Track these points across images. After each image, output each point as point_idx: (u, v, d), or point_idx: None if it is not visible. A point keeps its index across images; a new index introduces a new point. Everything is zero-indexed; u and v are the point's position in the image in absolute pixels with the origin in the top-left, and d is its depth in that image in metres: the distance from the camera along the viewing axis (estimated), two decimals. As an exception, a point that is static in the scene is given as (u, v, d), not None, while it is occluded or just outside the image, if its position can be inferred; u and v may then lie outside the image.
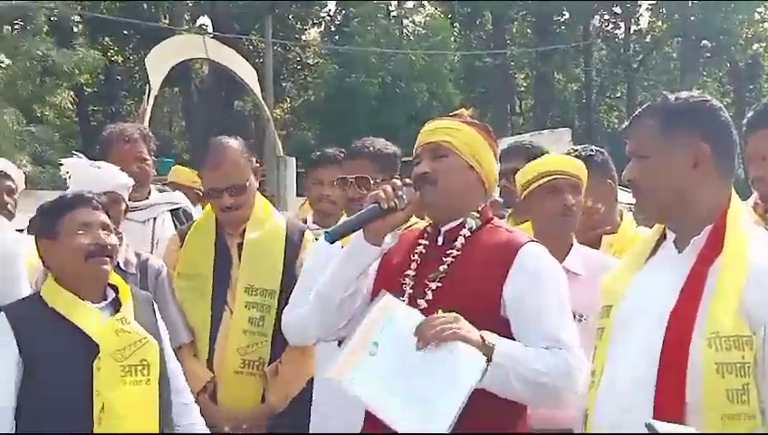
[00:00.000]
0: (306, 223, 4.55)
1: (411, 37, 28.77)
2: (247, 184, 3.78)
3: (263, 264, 3.78)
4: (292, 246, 3.83)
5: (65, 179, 3.78)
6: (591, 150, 4.04)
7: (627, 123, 2.59)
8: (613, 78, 36.35)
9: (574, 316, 3.31)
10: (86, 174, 3.76)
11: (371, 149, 3.58)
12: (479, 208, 2.87)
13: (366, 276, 2.85)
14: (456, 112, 2.96)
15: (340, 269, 2.83)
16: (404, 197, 2.75)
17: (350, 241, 2.80)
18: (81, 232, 3.07)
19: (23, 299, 3.23)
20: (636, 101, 33.26)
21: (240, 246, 3.81)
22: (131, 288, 3.25)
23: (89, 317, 3.03)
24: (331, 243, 2.76)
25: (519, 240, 2.79)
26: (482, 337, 2.56)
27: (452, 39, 31.08)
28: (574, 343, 2.69)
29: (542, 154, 4.23)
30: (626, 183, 2.66)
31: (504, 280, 2.70)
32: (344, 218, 2.98)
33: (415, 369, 2.56)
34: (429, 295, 2.74)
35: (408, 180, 2.83)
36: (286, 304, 3.61)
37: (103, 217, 3.15)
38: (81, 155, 3.90)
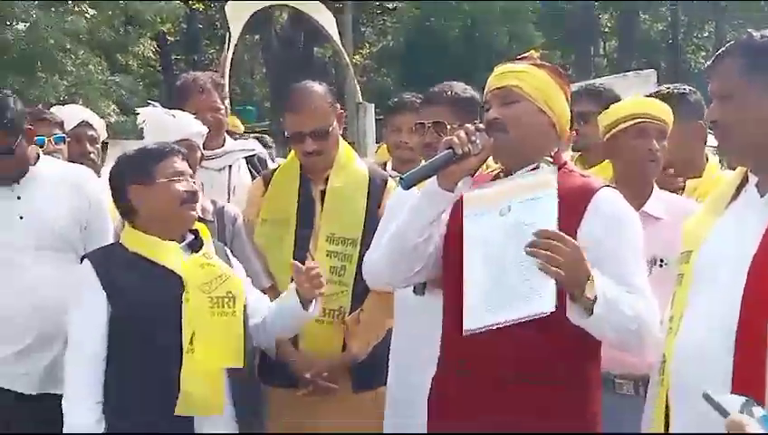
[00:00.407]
0: (385, 168, 4.54)
1: (492, -21, 28.31)
2: (330, 129, 3.77)
3: (345, 212, 3.78)
4: (375, 193, 3.82)
5: (142, 128, 3.84)
6: (684, 89, 3.95)
7: (709, 63, 2.51)
8: (701, 16, 35.24)
9: (654, 262, 3.28)
10: (162, 122, 3.81)
11: (449, 94, 3.53)
12: (552, 153, 2.82)
13: (439, 222, 2.83)
14: (525, 54, 2.90)
15: (414, 214, 2.81)
16: (478, 142, 2.72)
17: (424, 187, 2.78)
18: (176, 179, 3.19)
19: (105, 246, 3.40)
20: (724, 40, 32.32)
21: (323, 193, 3.82)
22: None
23: (172, 255, 3.16)
24: (406, 189, 2.75)
25: (594, 184, 2.76)
26: (584, 288, 2.49)
27: (534, -21, 30.56)
28: (648, 290, 2.66)
29: (615, 97, 4.16)
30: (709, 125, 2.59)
31: (579, 223, 2.66)
32: (421, 164, 2.95)
33: (510, 264, 2.55)
34: None
35: (481, 125, 2.79)
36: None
37: (187, 167, 3.30)
38: (156, 104, 3.95)
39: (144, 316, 3.09)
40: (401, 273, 2.92)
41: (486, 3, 24.71)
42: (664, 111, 3.54)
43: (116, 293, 3.11)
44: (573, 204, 2.69)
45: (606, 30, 36.39)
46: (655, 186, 3.52)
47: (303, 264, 3.48)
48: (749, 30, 2.51)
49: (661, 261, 3.28)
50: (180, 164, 3.26)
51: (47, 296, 3.54)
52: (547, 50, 27.28)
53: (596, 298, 2.49)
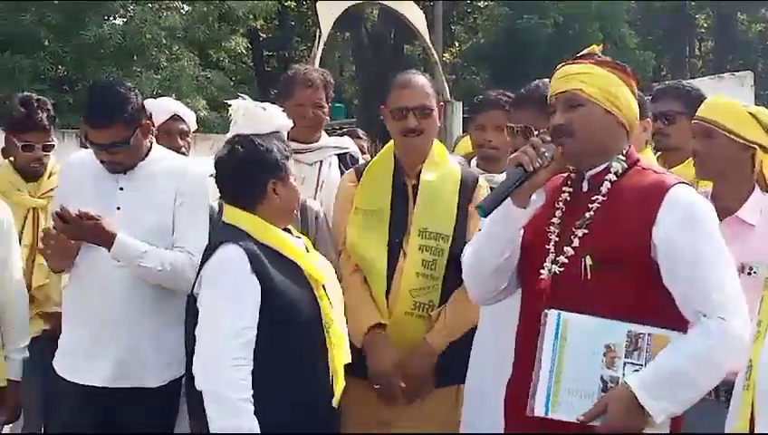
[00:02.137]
0: (469, 163, 4.54)
1: (586, -23, 27.93)
2: (433, 109, 3.81)
3: (437, 207, 3.79)
4: (466, 191, 3.83)
5: (233, 120, 3.89)
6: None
7: None
8: (801, 18, 34.29)
9: (743, 269, 3.18)
10: (254, 114, 3.85)
11: (536, 96, 3.50)
12: (624, 151, 2.78)
13: (518, 238, 2.84)
14: (585, 52, 2.86)
15: (491, 236, 2.83)
16: (546, 154, 2.72)
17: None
18: (296, 181, 3.30)
19: (236, 235, 3.21)
20: (826, 42, 31.35)
21: (415, 187, 3.83)
22: None
23: (301, 253, 3.25)
24: (485, 216, 2.77)
25: (668, 181, 2.70)
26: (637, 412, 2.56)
27: (629, -22, 30.06)
28: (728, 303, 2.58)
29: (701, 97, 4.07)
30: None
31: (654, 222, 2.63)
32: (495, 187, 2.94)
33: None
34: (576, 242, 2.71)
35: (547, 137, 2.77)
36: (458, 248, 3.62)
37: None
38: (246, 97, 4.00)
39: (298, 317, 3.13)
40: (488, 293, 2.97)
41: (580, 2, 24.39)
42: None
43: (269, 286, 3.10)
44: (646, 202, 2.67)
45: (702, 30, 35.64)
46: (757, 189, 3.42)
47: (397, 257, 3.67)
48: None
49: (750, 268, 3.19)
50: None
51: (134, 290, 3.63)
52: (642, 50, 26.83)
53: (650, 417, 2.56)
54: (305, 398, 3.12)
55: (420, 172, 3.84)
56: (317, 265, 3.27)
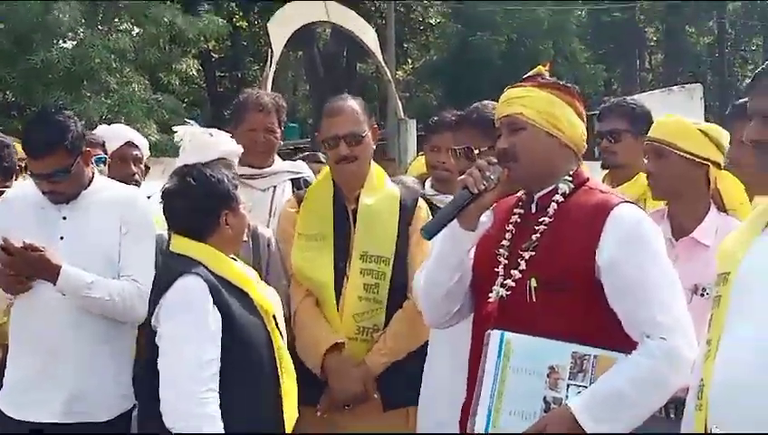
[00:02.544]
0: (424, 184, 4.52)
1: (536, -7, 28.23)
2: (364, 135, 3.78)
3: (377, 230, 3.78)
4: (406, 213, 3.82)
5: (179, 146, 3.84)
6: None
7: (749, 82, 2.45)
8: (748, 30, 34.91)
9: (696, 290, 3.18)
10: (199, 141, 3.80)
11: (475, 117, 3.52)
12: (571, 172, 2.77)
13: (467, 260, 2.83)
14: (532, 73, 2.86)
15: (441, 261, 2.82)
16: (492, 177, 2.71)
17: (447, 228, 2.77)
18: (244, 209, 3.26)
19: (193, 266, 3.14)
20: (772, 53, 31.90)
21: (355, 211, 3.82)
22: None
23: (253, 284, 3.21)
24: (429, 239, 2.76)
25: (611, 201, 2.70)
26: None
27: (578, -7, 30.40)
28: (671, 323, 2.59)
29: (646, 114, 4.11)
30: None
31: (597, 243, 2.63)
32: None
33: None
34: (523, 265, 2.69)
35: (493, 159, 2.77)
36: (400, 271, 3.70)
37: None
38: (193, 122, 3.95)
39: (249, 342, 3.10)
40: (441, 316, 2.95)
41: (530, 18, 24.64)
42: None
43: (228, 317, 3.06)
44: (590, 223, 2.67)
45: (652, 44, 36.15)
46: (713, 208, 3.40)
47: (342, 282, 3.61)
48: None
49: (704, 290, 3.18)
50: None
51: (82, 318, 3.55)
52: (592, 64, 27.15)
53: None
54: (258, 425, 3.09)
55: (358, 195, 3.83)
56: (267, 295, 3.23)
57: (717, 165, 3.38)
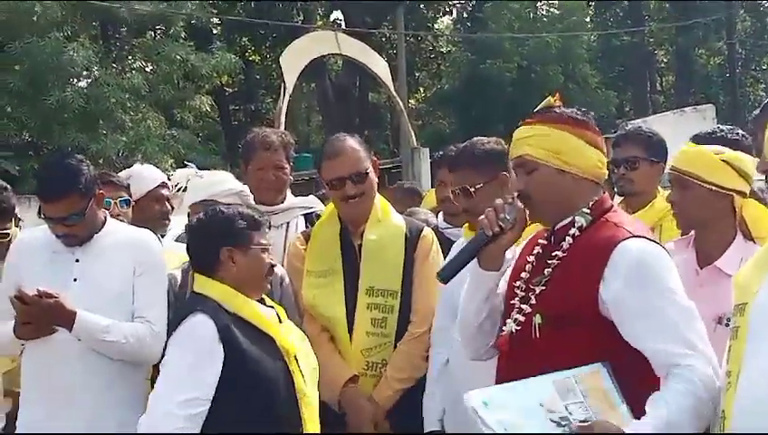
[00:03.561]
0: (437, 216, 4.54)
1: (545, 19, 28.27)
2: (368, 172, 3.81)
3: (382, 264, 3.81)
4: (411, 244, 3.86)
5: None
6: (737, 134, 3.78)
7: (756, 113, 2.48)
8: (758, 50, 34.78)
9: (720, 320, 3.11)
10: (191, 184, 3.89)
11: (466, 156, 3.61)
12: (590, 204, 2.76)
13: (496, 295, 2.84)
14: (543, 106, 2.83)
15: (468, 301, 2.84)
16: (508, 217, 2.70)
17: (472, 270, 2.80)
18: (264, 250, 3.27)
19: (208, 306, 3.19)
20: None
21: (361, 247, 3.85)
22: None
23: (272, 323, 3.23)
24: (445, 282, 2.78)
25: (618, 236, 2.66)
26: None
27: (587, 19, 30.41)
28: (694, 342, 2.55)
29: (661, 141, 4.13)
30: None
31: (600, 281, 2.60)
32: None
33: None
34: (533, 300, 2.70)
35: (510, 199, 2.77)
36: (408, 303, 3.75)
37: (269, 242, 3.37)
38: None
39: (265, 386, 3.12)
40: (478, 350, 2.95)
41: (540, 44, 24.68)
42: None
43: (235, 356, 3.09)
44: (595, 258, 2.65)
45: (662, 66, 36.11)
46: (739, 236, 3.34)
47: (353, 318, 3.65)
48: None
49: (728, 320, 3.13)
50: (267, 238, 3.33)
51: (95, 361, 3.58)
52: (603, 88, 27.13)
53: None
54: None
55: (364, 231, 3.87)
56: (290, 337, 3.25)
57: (743, 194, 3.34)
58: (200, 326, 3.09)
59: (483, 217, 2.75)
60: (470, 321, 2.86)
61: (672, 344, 2.55)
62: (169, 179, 4.56)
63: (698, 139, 3.69)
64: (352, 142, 3.88)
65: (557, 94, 2.91)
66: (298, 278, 3.89)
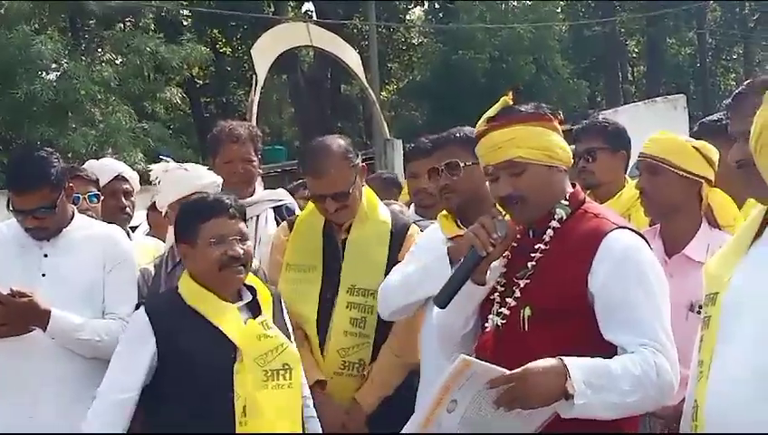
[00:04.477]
0: (410, 209, 4.51)
1: (517, 10, 28.33)
2: (351, 190, 3.73)
3: (365, 264, 3.74)
4: (396, 243, 3.79)
5: (155, 184, 3.85)
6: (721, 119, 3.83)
7: (729, 101, 2.47)
8: (728, 39, 35.11)
9: (692, 307, 3.17)
10: (174, 176, 3.82)
11: (458, 134, 3.47)
12: (567, 195, 2.76)
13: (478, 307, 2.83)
14: (500, 107, 2.79)
15: (456, 312, 2.80)
16: (500, 234, 2.67)
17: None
18: (215, 242, 3.13)
19: (163, 294, 3.40)
20: (754, 62, 32.12)
21: (344, 242, 3.78)
22: (269, 288, 3.32)
23: (230, 320, 3.11)
24: (443, 308, 2.73)
25: (604, 228, 2.68)
26: (563, 393, 2.46)
27: (558, 9, 30.50)
28: (664, 336, 2.59)
29: (622, 131, 4.13)
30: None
31: (589, 272, 2.61)
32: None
33: (494, 417, 2.54)
34: (517, 293, 2.68)
35: (497, 213, 2.74)
36: None
37: (240, 225, 3.21)
38: (168, 159, 3.96)
39: (193, 380, 3.06)
40: (453, 354, 2.91)
41: (512, 35, 24.73)
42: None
43: (168, 345, 3.09)
44: (583, 250, 2.65)
45: (633, 56, 36.30)
46: (704, 224, 3.39)
47: (330, 316, 3.58)
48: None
49: (699, 307, 3.17)
50: (225, 225, 3.17)
51: (63, 357, 3.54)
52: (575, 78, 27.24)
53: (573, 394, 2.46)
54: None
55: (350, 226, 3.80)
56: (245, 333, 3.12)
57: (710, 182, 3.37)
58: (135, 317, 3.19)
59: (472, 235, 2.71)
60: (456, 331, 2.86)
61: (640, 338, 2.58)
62: (147, 172, 4.45)
63: (703, 126, 3.73)
64: (335, 159, 3.73)
65: (510, 94, 2.88)
66: (277, 271, 3.83)
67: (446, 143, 3.51)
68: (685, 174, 3.32)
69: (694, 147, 3.35)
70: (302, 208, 4.77)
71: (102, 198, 4.49)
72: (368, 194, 3.89)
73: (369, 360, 3.69)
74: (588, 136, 4.18)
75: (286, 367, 3.11)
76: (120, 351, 3.20)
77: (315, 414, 3.36)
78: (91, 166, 4.78)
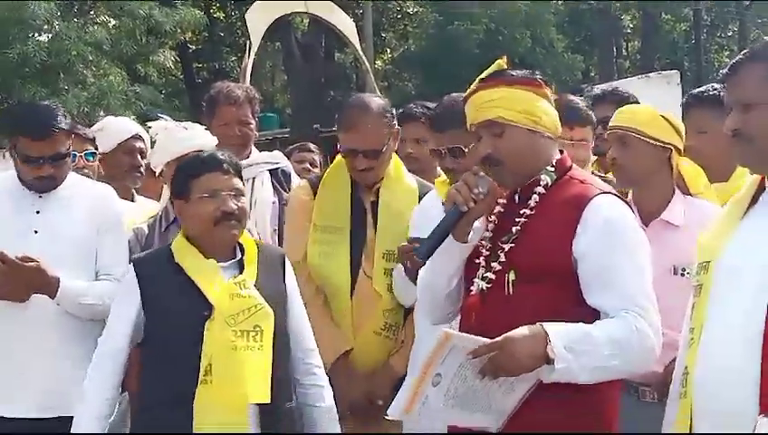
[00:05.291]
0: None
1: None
2: (384, 149, 3.71)
3: (398, 229, 3.72)
4: None
5: (153, 142, 3.84)
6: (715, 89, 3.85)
7: (725, 71, 2.48)
8: (724, 16, 34.98)
9: (675, 271, 3.24)
10: (173, 135, 3.81)
11: (455, 115, 3.37)
12: (554, 162, 2.77)
13: (462, 265, 2.84)
14: (494, 69, 2.81)
15: (439, 270, 2.83)
16: (480, 190, 2.69)
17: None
18: (208, 197, 3.11)
19: (154, 251, 3.43)
20: (748, 39, 32.02)
21: (373, 204, 3.77)
22: (263, 248, 3.30)
23: (210, 278, 3.10)
24: (424, 261, 2.77)
25: (588, 193, 2.71)
26: (543, 357, 2.50)
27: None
28: (646, 305, 2.62)
29: (637, 102, 4.15)
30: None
31: (573, 236, 2.65)
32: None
33: (478, 387, 2.57)
34: (502, 257, 2.71)
35: (479, 170, 2.75)
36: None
37: (234, 181, 3.18)
38: (167, 117, 3.96)
39: (168, 335, 3.09)
40: (443, 316, 2.96)
41: (508, 8, 24.63)
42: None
43: (151, 301, 3.14)
44: (567, 215, 2.69)
45: (628, 31, 36.19)
46: (677, 190, 3.46)
47: (357, 279, 3.65)
48: (766, 37, 2.47)
49: (683, 269, 3.23)
50: (219, 179, 3.16)
51: (56, 317, 3.54)
52: (570, 52, 27.17)
53: (554, 358, 2.50)
54: (159, 422, 3.08)
55: (377, 189, 3.78)
56: (220, 292, 3.11)
57: (679, 151, 3.44)
58: (125, 275, 3.29)
59: (454, 192, 2.73)
60: (441, 289, 2.87)
61: (622, 303, 2.61)
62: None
63: (692, 96, 3.80)
64: (372, 116, 3.72)
65: (505, 58, 2.91)
66: (298, 231, 3.79)
67: (450, 126, 3.47)
68: (653, 142, 3.39)
69: (661, 115, 3.44)
70: (297, 172, 4.77)
71: (99, 156, 4.49)
72: (395, 160, 3.88)
73: (402, 324, 3.72)
74: (605, 104, 4.27)
75: (257, 328, 3.07)
76: (113, 306, 3.27)
77: (324, 383, 3.32)
78: (110, 123, 4.78)
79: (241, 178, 3.25)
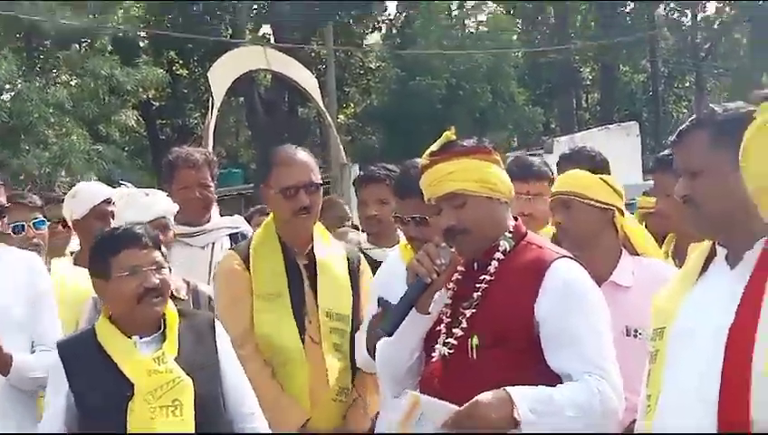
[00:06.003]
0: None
1: (474, 37, 28.59)
2: (320, 184, 3.71)
3: (336, 288, 3.71)
4: (354, 270, 3.79)
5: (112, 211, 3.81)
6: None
7: (673, 138, 2.52)
8: (680, 67, 35.67)
9: (628, 332, 3.25)
10: (135, 202, 3.79)
11: (417, 184, 3.24)
12: (511, 228, 2.82)
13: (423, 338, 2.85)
14: (444, 142, 2.84)
15: (402, 343, 2.83)
16: (443, 261, 2.72)
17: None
18: (129, 274, 3.04)
19: (79, 333, 3.33)
20: (705, 90, 32.66)
21: (306, 267, 3.71)
22: (186, 313, 3.24)
23: (129, 356, 3.06)
24: (390, 335, 2.77)
25: (547, 257, 2.75)
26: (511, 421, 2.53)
27: (514, 37, 30.83)
28: (608, 365, 2.66)
29: (604, 160, 4.22)
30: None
31: (534, 300, 2.68)
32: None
33: None
34: (464, 323, 2.72)
35: (440, 242, 2.76)
36: (355, 329, 3.65)
37: (154, 255, 3.10)
38: (129, 184, 3.94)
39: (96, 418, 3.03)
40: (400, 391, 2.91)
41: (469, 62, 24.94)
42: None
43: (77, 384, 3.06)
44: (529, 280, 2.71)
45: (587, 83, 36.74)
46: (624, 251, 3.50)
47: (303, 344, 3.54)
48: (711, 105, 2.52)
49: (635, 331, 3.25)
50: (139, 255, 3.07)
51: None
52: (531, 105, 27.52)
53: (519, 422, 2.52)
54: None
55: (309, 251, 3.74)
56: (138, 370, 3.06)
57: (621, 211, 3.49)
58: (53, 361, 3.17)
59: (416, 264, 2.74)
60: (402, 363, 2.87)
61: (584, 366, 2.64)
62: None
63: (658, 161, 3.87)
64: (305, 153, 3.76)
65: (453, 129, 2.93)
66: (241, 303, 3.69)
67: (410, 194, 3.35)
68: (595, 203, 3.44)
69: (600, 178, 3.50)
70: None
71: (49, 223, 4.42)
72: (318, 224, 3.83)
73: (351, 384, 3.68)
74: (571, 164, 4.25)
75: (176, 402, 3.01)
76: (47, 391, 3.20)
77: (255, 410, 3.25)
78: (82, 189, 4.70)
79: (160, 249, 3.16)
